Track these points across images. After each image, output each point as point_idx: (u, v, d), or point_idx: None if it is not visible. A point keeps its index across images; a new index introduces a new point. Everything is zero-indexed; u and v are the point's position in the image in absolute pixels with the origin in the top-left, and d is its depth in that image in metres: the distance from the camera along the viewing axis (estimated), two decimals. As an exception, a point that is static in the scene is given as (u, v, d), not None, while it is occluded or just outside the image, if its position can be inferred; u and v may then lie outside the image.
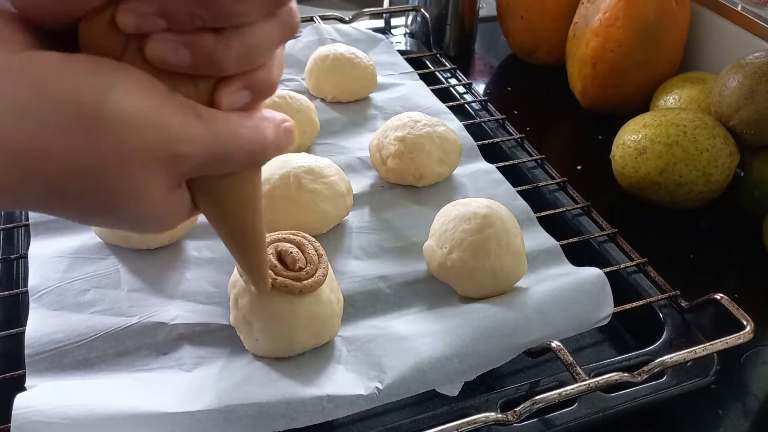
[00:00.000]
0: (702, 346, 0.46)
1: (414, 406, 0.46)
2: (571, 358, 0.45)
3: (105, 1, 0.25)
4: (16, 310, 0.51)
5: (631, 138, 0.65)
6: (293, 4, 0.28)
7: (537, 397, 0.42)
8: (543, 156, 0.68)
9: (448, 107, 0.74)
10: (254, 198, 0.33)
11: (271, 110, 0.31)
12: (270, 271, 0.44)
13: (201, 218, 0.56)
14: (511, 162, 0.68)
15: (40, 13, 0.26)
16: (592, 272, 0.52)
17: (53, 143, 0.24)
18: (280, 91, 0.65)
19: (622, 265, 0.55)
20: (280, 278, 0.44)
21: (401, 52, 0.84)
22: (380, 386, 0.43)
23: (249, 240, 0.35)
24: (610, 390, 0.45)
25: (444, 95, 0.77)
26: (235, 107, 0.29)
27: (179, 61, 0.26)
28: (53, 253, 0.52)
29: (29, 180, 0.25)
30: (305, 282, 0.44)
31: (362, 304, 0.51)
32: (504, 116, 0.74)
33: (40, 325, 0.46)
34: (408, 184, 0.62)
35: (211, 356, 0.46)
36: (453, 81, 0.82)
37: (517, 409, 0.41)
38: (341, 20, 0.85)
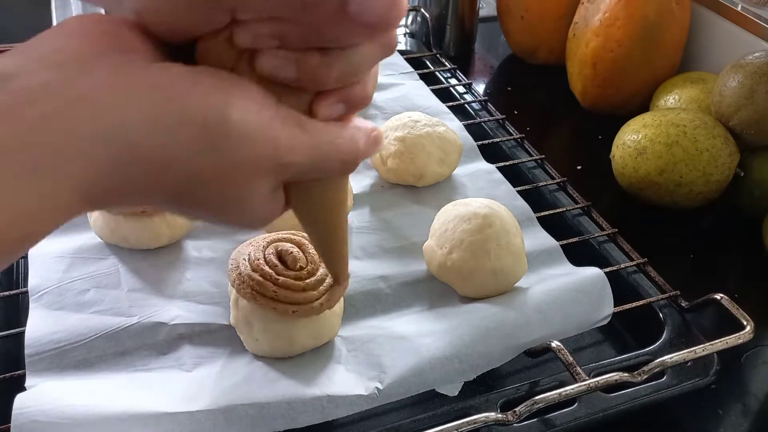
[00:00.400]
0: (702, 346, 0.46)
1: (414, 406, 0.46)
2: (571, 358, 0.45)
3: (226, 23, 0.27)
4: (16, 310, 0.51)
5: (631, 138, 0.65)
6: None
7: (537, 397, 0.42)
8: (543, 156, 0.68)
9: (448, 107, 0.74)
10: (341, 201, 0.36)
11: (361, 119, 0.33)
12: (271, 271, 0.44)
13: (201, 218, 0.56)
14: (511, 162, 0.68)
15: (164, 28, 0.28)
16: (592, 272, 0.52)
17: (180, 153, 0.27)
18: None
19: (622, 265, 0.55)
20: (281, 278, 0.44)
21: (401, 52, 0.84)
22: (380, 386, 0.43)
23: (334, 238, 0.38)
24: (610, 390, 0.45)
25: (444, 95, 0.77)
26: (330, 118, 0.31)
27: (286, 75, 0.29)
28: (53, 253, 0.52)
29: (157, 183, 0.27)
30: (316, 303, 0.44)
31: (362, 304, 0.51)
32: (504, 116, 0.74)
33: (40, 325, 0.46)
34: (408, 184, 0.62)
35: (211, 356, 0.46)
36: (453, 81, 0.82)
37: (517, 409, 0.41)
38: (341, 20, 0.85)
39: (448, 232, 0.51)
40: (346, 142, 0.32)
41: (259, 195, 0.31)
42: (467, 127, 0.71)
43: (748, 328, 0.47)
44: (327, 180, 0.34)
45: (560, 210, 0.62)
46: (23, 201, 0.24)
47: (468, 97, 0.79)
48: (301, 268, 0.45)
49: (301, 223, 0.37)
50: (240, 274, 0.45)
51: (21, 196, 0.24)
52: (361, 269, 0.53)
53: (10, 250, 0.25)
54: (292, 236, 0.47)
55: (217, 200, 0.30)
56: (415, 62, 0.84)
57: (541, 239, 0.57)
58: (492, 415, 0.41)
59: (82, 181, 0.25)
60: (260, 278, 0.44)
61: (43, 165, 0.24)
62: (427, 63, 0.85)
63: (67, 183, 0.25)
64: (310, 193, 0.34)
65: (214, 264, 0.53)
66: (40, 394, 0.41)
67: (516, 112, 0.80)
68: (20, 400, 0.40)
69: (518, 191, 0.62)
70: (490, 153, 0.68)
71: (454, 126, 0.69)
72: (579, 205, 0.62)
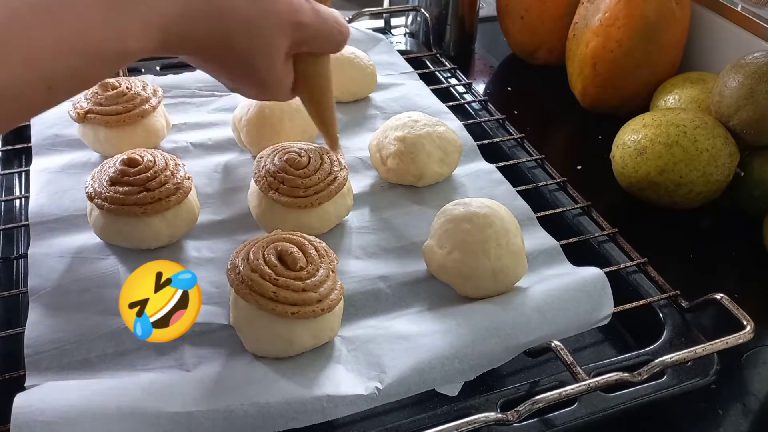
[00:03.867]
0: (702, 346, 0.46)
1: (414, 406, 0.46)
2: (571, 358, 0.45)
3: None
4: (16, 310, 0.51)
5: (631, 138, 0.65)
6: None
7: (537, 397, 0.42)
8: (543, 156, 0.68)
9: (448, 107, 0.74)
10: (330, 79, 0.51)
11: None
12: (270, 272, 0.44)
13: (201, 218, 0.56)
14: (511, 162, 0.68)
15: None
16: (592, 272, 0.52)
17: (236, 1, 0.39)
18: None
19: (622, 265, 0.55)
20: (281, 278, 0.44)
21: (401, 52, 0.84)
22: (380, 386, 0.43)
23: (329, 108, 0.53)
24: (610, 390, 0.45)
25: (444, 95, 0.77)
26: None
27: None
28: (53, 253, 0.52)
29: (214, 29, 0.38)
30: (319, 305, 0.44)
31: (362, 304, 0.51)
32: (504, 116, 0.74)
33: (40, 325, 0.46)
34: (408, 184, 0.62)
35: (211, 356, 0.46)
36: (453, 81, 0.82)
37: (517, 409, 0.41)
38: (341, 20, 0.85)
39: (448, 232, 0.51)
40: (339, 17, 0.45)
41: (279, 52, 0.42)
42: (467, 127, 0.71)
43: (748, 328, 0.47)
44: (322, 57, 0.48)
45: (560, 210, 0.62)
46: (129, 23, 0.34)
47: (468, 97, 0.79)
48: (301, 269, 0.45)
49: (304, 99, 0.51)
50: (239, 274, 0.45)
51: (128, 17, 0.34)
52: (361, 269, 0.53)
53: (110, 65, 0.35)
54: (292, 236, 0.47)
55: (244, 49, 0.40)
56: (415, 62, 0.84)
57: (541, 239, 0.57)
58: (492, 415, 0.41)
59: (165, 18, 0.35)
60: (259, 279, 0.44)
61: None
62: (427, 63, 0.85)
63: (156, 18, 0.35)
64: (311, 68, 0.48)
65: (214, 264, 0.53)
66: (40, 394, 0.41)
67: (516, 112, 0.80)
68: (20, 400, 0.40)
69: (518, 191, 0.62)
70: (490, 153, 0.68)
71: (454, 126, 0.69)
72: (579, 205, 0.62)
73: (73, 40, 0.32)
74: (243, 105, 0.64)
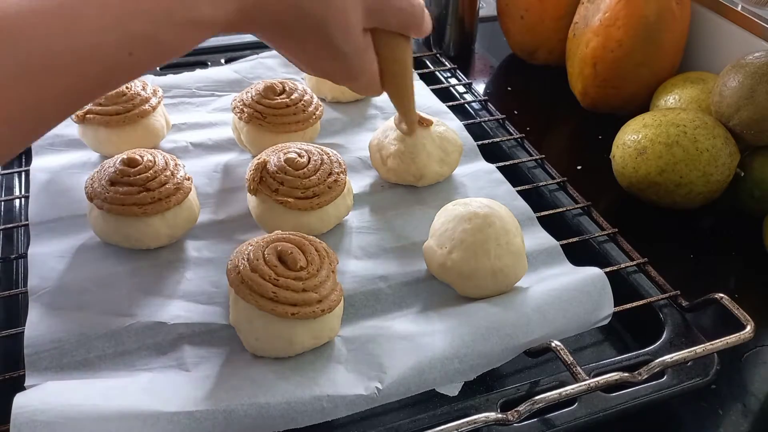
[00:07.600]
0: (702, 346, 0.46)
1: (414, 406, 0.46)
2: (571, 358, 0.45)
3: None
4: (16, 310, 0.51)
5: (631, 138, 0.65)
6: None
7: (537, 397, 0.42)
8: (543, 156, 0.68)
9: (448, 107, 0.74)
10: (410, 62, 0.48)
11: None
12: (270, 272, 0.44)
13: (201, 218, 0.56)
14: (511, 162, 0.68)
15: None
16: (593, 272, 0.52)
17: None
18: (280, 91, 0.65)
19: (622, 265, 0.55)
20: (281, 278, 0.44)
21: (401, 52, 0.84)
22: (380, 386, 0.43)
23: (408, 90, 0.51)
24: (610, 390, 0.45)
25: (444, 95, 0.77)
26: None
27: None
28: (53, 253, 0.52)
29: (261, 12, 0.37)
30: (319, 306, 0.44)
31: (362, 303, 0.51)
32: (504, 116, 0.74)
33: (40, 325, 0.46)
34: (408, 184, 0.62)
35: (211, 356, 0.46)
36: (453, 81, 0.82)
37: (517, 409, 0.41)
38: (341, 20, 0.85)
39: (448, 231, 0.51)
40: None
41: (354, 23, 0.40)
42: (467, 126, 0.71)
43: (748, 328, 0.47)
44: (398, 41, 0.46)
45: (560, 210, 0.62)
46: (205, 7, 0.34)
47: (468, 97, 0.79)
48: (302, 269, 0.45)
49: (385, 83, 0.48)
50: (239, 274, 0.45)
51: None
52: (361, 269, 0.53)
53: (183, 32, 0.34)
54: (292, 236, 0.47)
55: (317, 24, 0.39)
56: (415, 62, 0.83)
57: (541, 239, 0.57)
58: (492, 415, 0.41)
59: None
60: (259, 279, 0.44)
61: None
62: (427, 63, 0.85)
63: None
64: (388, 49, 0.46)
65: (214, 264, 0.53)
66: (40, 394, 0.41)
67: (516, 112, 0.80)
68: (20, 400, 0.40)
69: (518, 191, 0.62)
70: (490, 153, 0.68)
71: (455, 126, 0.69)
72: (579, 205, 0.62)
73: (142, 3, 0.32)
74: (243, 105, 0.64)
